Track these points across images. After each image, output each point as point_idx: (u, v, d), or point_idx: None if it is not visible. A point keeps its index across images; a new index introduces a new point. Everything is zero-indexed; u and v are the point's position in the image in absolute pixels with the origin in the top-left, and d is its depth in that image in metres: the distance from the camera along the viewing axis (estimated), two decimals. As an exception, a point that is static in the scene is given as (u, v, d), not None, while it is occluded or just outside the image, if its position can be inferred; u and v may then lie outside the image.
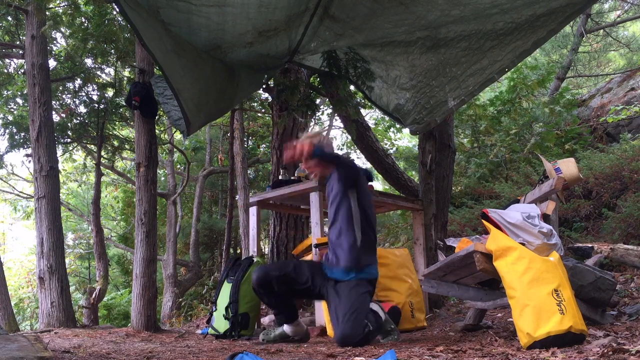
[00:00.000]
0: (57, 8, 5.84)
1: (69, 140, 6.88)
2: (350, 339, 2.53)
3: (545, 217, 2.69)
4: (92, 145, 7.18)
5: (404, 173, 5.78)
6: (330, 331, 3.38)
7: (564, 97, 7.36)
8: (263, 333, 3.04)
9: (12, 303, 6.26)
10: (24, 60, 5.66)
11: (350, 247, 2.75)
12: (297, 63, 4.48)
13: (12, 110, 6.90)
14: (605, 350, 1.79)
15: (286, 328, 2.99)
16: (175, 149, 9.29)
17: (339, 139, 12.02)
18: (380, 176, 7.73)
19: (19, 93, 6.68)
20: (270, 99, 5.48)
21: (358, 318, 2.59)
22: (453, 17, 3.52)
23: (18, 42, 6.02)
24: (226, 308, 3.43)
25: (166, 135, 9.08)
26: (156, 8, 3.03)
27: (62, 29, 6.11)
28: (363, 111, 6.90)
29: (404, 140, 11.67)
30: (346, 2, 3.44)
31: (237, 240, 9.07)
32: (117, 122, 7.08)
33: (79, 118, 6.68)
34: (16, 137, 6.52)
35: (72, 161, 9.27)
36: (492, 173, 6.96)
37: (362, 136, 5.35)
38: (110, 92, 6.68)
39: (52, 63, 6.07)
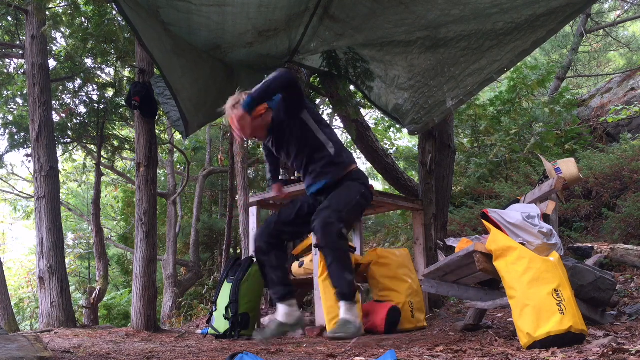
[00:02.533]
0: (57, 8, 5.84)
1: (69, 140, 6.88)
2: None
3: (545, 217, 2.68)
4: (92, 145, 7.18)
5: (404, 173, 5.78)
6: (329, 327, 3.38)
7: (564, 97, 7.35)
8: (257, 332, 2.84)
9: (12, 303, 6.26)
10: (24, 60, 5.66)
11: (332, 160, 2.72)
12: (297, 63, 4.48)
13: (12, 110, 6.90)
14: (605, 350, 1.79)
15: (281, 310, 2.70)
16: (175, 149, 9.29)
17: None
18: (380, 176, 7.72)
19: (19, 93, 6.68)
20: (270, 99, 5.47)
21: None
22: (453, 17, 3.51)
23: (18, 42, 6.02)
24: (226, 308, 3.43)
25: (166, 135, 9.07)
26: (156, 8, 3.03)
27: (62, 29, 6.11)
28: (363, 111, 6.90)
29: (404, 140, 11.66)
30: (346, 2, 3.44)
31: (237, 240, 9.06)
32: (117, 122, 7.08)
33: (79, 118, 6.68)
34: (16, 137, 6.52)
35: (72, 161, 9.27)
36: (492, 173, 6.95)
37: (362, 136, 5.35)
38: (110, 92, 6.68)
39: (52, 63, 6.07)
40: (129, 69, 6.72)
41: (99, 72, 6.81)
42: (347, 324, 2.44)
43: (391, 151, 9.53)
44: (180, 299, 8.24)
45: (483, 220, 2.52)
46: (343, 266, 2.54)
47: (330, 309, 3.42)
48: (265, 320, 4.29)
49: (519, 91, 7.27)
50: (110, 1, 4.40)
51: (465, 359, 1.94)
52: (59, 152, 7.00)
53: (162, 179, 10.32)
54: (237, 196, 6.67)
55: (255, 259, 3.27)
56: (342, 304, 2.51)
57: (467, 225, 5.80)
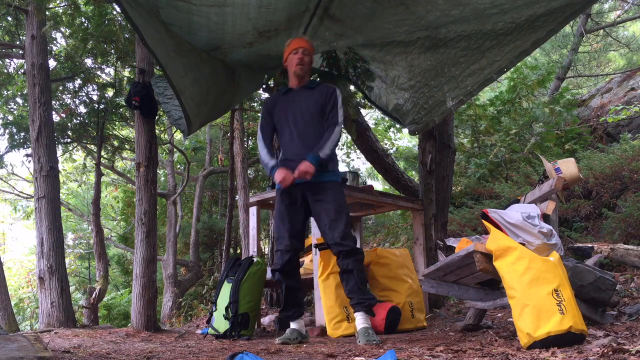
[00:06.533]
0: (57, 8, 5.84)
1: (69, 140, 6.89)
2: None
3: (545, 217, 2.68)
4: (92, 145, 7.19)
5: (404, 173, 5.78)
6: (330, 331, 3.38)
7: (564, 97, 7.35)
8: (280, 339, 2.92)
9: (12, 303, 6.26)
10: (24, 60, 5.66)
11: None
12: (297, 63, 4.47)
13: (12, 110, 6.90)
14: (605, 350, 1.79)
15: (296, 325, 3.00)
16: (175, 149, 9.30)
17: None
18: (380, 176, 7.73)
19: (19, 93, 6.68)
20: (270, 99, 5.47)
21: None
22: (453, 17, 3.51)
23: (18, 42, 6.02)
24: (226, 308, 3.43)
25: (166, 135, 9.08)
26: (156, 8, 3.03)
27: (62, 29, 6.11)
28: (363, 111, 6.90)
29: (404, 140, 11.67)
30: (346, 3, 3.44)
31: (237, 240, 9.07)
32: (117, 122, 7.09)
33: (79, 118, 6.68)
34: (16, 137, 6.52)
35: (72, 161, 9.27)
36: (492, 173, 6.95)
37: (362, 136, 5.35)
38: (110, 92, 6.69)
39: (52, 63, 6.08)
40: (129, 69, 6.72)
41: (99, 72, 6.81)
42: (371, 331, 2.80)
43: (391, 151, 9.53)
44: (180, 299, 8.24)
45: (483, 220, 2.52)
46: (365, 284, 2.99)
47: (330, 309, 3.42)
48: (265, 320, 4.29)
49: (519, 91, 7.27)
50: (112, 1, 4.40)
51: (465, 359, 1.94)
52: (59, 152, 7.01)
53: (162, 179, 10.33)
54: (237, 196, 6.68)
55: (282, 284, 3.13)
56: (361, 315, 2.87)
57: (467, 225, 5.80)
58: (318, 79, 5.01)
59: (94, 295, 5.87)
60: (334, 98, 3.14)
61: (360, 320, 2.86)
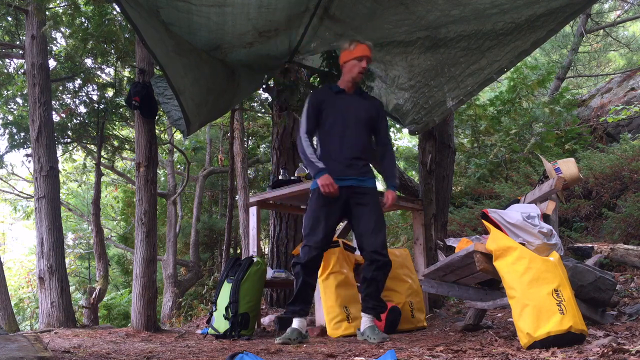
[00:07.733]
0: (57, 8, 5.84)
1: (69, 140, 6.89)
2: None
3: (545, 217, 2.68)
4: (92, 145, 7.19)
5: (404, 173, 5.78)
6: (330, 331, 3.38)
7: (564, 97, 7.35)
8: (280, 338, 2.90)
9: (12, 303, 6.26)
10: (24, 60, 5.66)
11: None
12: (297, 63, 4.48)
13: (12, 110, 6.91)
14: (605, 350, 1.79)
15: (298, 324, 2.97)
16: (175, 149, 9.29)
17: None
18: (380, 176, 7.73)
19: (19, 93, 6.69)
20: (270, 99, 5.48)
21: None
22: (453, 17, 3.51)
23: (18, 42, 6.02)
24: (226, 308, 3.43)
25: (166, 135, 9.08)
26: (156, 8, 3.03)
27: (62, 29, 6.11)
28: (363, 111, 6.88)
29: (404, 140, 11.67)
30: (346, 3, 3.44)
31: (237, 240, 9.07)
32: (117, 122, 7.09)
33: (79, 118, 6.69)
34: (16, 137, 6.53)
35: (72, 161, 9.27)
36: (492, 173, 6.95)
37: (362, 136, 5.34)
38: (110, 92, 6.69)
39: (52, 63, 6.08)
40: (129, 69, 6.72)
41: (99, 72, 6.82)
42: (377, 329, 2.91)
43: (391, 151, 9.49)
44: (180, 299, 8.24)
45: (483, 220, 2.52)
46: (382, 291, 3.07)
47: (330, 309, 3.42)
48: (265, 320, 4.29)
49: (519, 91, 7.27)
50: (112, 1, 4.40)
51: (465, 359, 1.94)
52: (59, 152, 7.01)
53: (162, 179, 10.33)
54: (237, 196, 6.68)
55: (304, 281, 3.03)
56: (369, 317, 2.99)
57: (467, 225, 5.80)
58: (318, 78, 5.02)
59: (94, 295, 5.87)
60: (383, 114, 3.30)
61: (368, 320, 2.98)
